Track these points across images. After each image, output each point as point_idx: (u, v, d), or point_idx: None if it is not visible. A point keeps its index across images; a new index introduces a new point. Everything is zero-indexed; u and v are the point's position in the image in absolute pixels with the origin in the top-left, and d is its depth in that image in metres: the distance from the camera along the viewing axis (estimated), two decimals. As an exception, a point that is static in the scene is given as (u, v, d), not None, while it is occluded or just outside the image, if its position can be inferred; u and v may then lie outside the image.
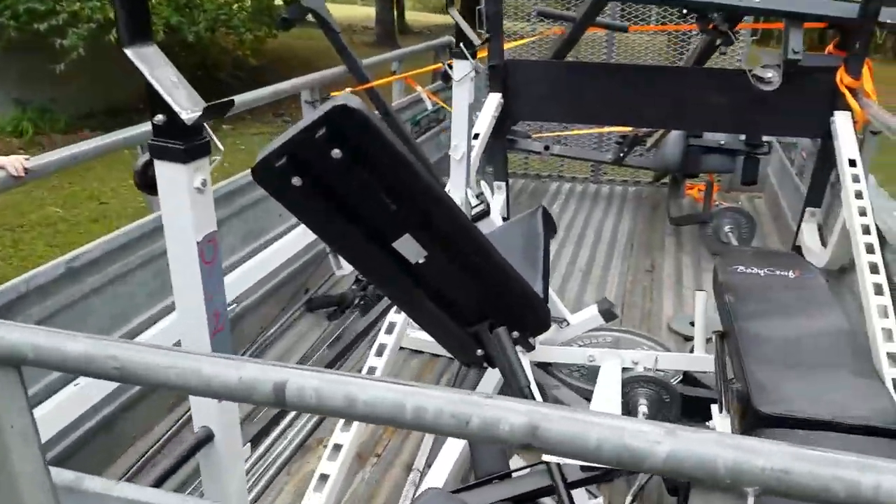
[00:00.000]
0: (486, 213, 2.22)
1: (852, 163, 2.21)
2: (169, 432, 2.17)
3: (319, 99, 3.21)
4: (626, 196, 4.70)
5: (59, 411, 1.61)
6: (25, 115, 7.93)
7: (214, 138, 1.15)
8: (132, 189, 6.82)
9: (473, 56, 2.30)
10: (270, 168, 1.39)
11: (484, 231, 2.33)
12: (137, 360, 0.72)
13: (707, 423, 1.76)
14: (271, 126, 9.41)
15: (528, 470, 1.60)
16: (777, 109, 2.49)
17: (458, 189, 2.30)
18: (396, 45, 14.71)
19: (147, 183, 1.15)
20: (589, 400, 2.19)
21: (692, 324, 2.81)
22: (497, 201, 3.32)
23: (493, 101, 2.79)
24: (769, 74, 2.41)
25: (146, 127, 2.18)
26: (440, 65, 4.35)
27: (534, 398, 1.54)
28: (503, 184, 3.53)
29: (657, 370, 2.30)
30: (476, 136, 2.64)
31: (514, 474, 1.61)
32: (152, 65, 1.06)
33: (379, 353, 2.02)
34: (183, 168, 1.09)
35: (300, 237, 2.49)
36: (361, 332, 2.77)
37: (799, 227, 2.86)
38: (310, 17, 3.02)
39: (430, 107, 4.32)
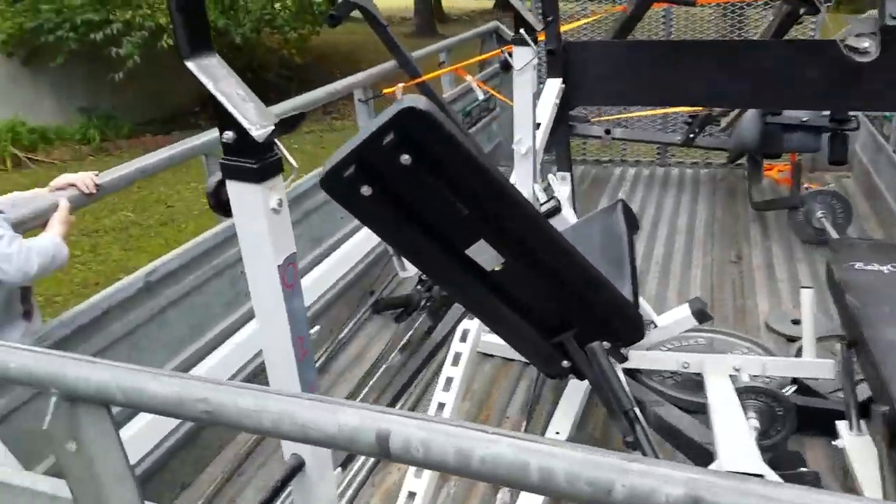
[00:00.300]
0: (557, 210, 2.07)
1: None
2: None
3: (372, 97, 3.10)
4: (698, 180, 4.43)
5: (148, 430, 1.56)
6: (91, 123, 8.19)
7: (287, 154, 1.04)
8: (195, 191, 6.95)
9: (535, 42, 2.14)
10: (339, 178, 1.28)
11: (560, 228, 2.19)
12: (228, 403, 0.67)
13: (834, 442, 1.58)
14: (321, 124, 9.44)
15: None
16: (874, 81, 2.23)
17: (525, 185, 2.15)
18: (436, 34, 14.55)
19: (221, 204, 1.05)
20: (694, 413, 2.03)
21: (794, 322, 2.59)
22: (563, 194, 3.15)
23: (554, 86, 2.61)
24: (865, 44, 2.15)
25: (207, 136, 2.13)
26: (498, 51, 4.22)
27: (640, 422, 1.38)
28: (567, 174, 3.35)
29: (764, 377, 2.12)
30: (538, 125, 2.48)
31: None
32: (216, 77, 0.96)
33: (455, 363, 1.92)
34: (257, 188, 0.99)
35: (365, 240, 2.39)
36: (430, 333, 2.67)
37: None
38: (356, 13, 2.94)
39: (481, 96, 4.18)
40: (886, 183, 3.43)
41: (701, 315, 2.10)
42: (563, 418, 1.76)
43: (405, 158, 1.24)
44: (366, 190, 1.29)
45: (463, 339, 1.94)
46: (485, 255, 1.42)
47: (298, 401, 0.66)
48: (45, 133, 7.90)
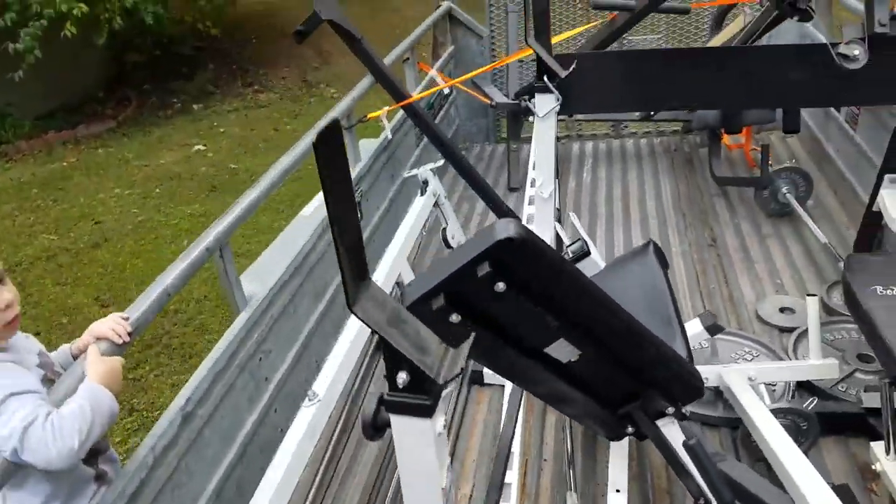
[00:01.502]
0: (586, 254, 2.05)
1: None
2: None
3: (356, 122, 2.95)
4: (654, 150, 4.51)
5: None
6: (-16, 125, 7.41)
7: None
8: (122, 200, 6.51)
9: (559, 88, 2.07)
10: (425, 307, 1.21)
11: (588, 274, 2.18)
12: None
13: (874, 465, 1.69)
14: (243, 100, 8.93)
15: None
16: (863, 81, 2.30)
17: (546, 228, 2.12)
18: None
19: (377, 429, 0.96)
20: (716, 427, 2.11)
21: (782, 310, 2.73)
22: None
23: (548, 100, 2.56)
24: (855, 52, 2.21)
25: (216, 231, 1.93)
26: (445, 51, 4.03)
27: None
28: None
29: (772, 383, 2.23)
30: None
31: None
32: (383, 306, 0.86)
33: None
34: (428, 422, 0.90)
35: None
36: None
37: (876, 193, 2.73)
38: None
39: (446, 91, 4.07)
40: (835, 148, 3.61)
41: (714, 329, 2.17)
42: (619, 473, 1.79)
43: (500, 287, 1.19)
44: (454, 317, 1.23)
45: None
46: (563, 351, 1.40)
47: None
48: (-71, 141, 7.12)
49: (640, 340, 1.48)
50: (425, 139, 3.75)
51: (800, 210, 3.20)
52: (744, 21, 3.10)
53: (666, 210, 3.70)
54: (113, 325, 1.51)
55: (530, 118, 2.18)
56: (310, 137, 2.57)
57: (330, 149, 0.74)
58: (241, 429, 1.96)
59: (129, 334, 1.53)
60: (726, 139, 3.91)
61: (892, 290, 1.79)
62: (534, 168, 2.36)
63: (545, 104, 2.09)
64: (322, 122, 2.39)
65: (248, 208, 2.10)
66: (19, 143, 7.50)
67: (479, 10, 4.87)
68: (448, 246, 3.11)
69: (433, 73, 3.88)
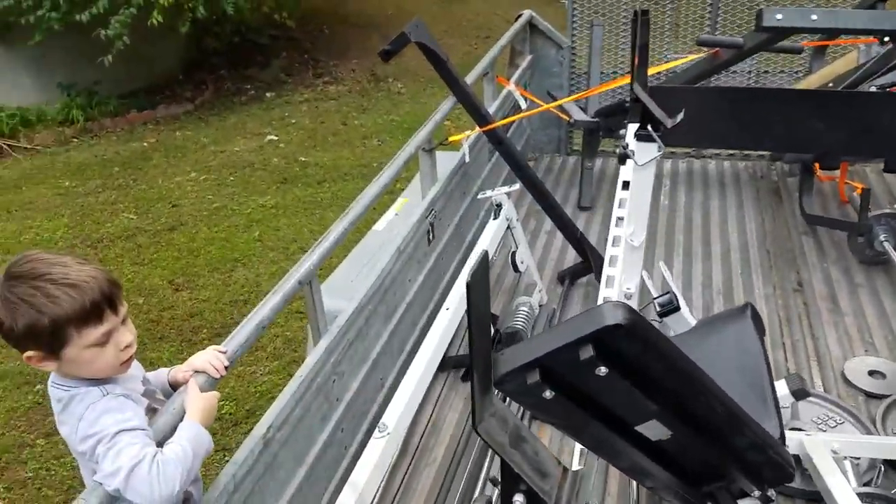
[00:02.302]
0: (675, 308, 1.95)
1: None
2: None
3: (437, 144, 2.90)
4: (738, 177, 4.30)
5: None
6: (73, 102, 7.71)
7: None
8: (197, 184, 6.71)
9: (662, 138, 1.97)
10: (518, 381, 1.16)
11: (675, 331, 2.08)
12: None
13: None
14: (313, 90, 9.03)
15: None
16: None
17: (633, 275, 2.03)
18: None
19: None
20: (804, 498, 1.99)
21: (870, 373, 2.56)
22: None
23: (634, 128, 2.45)
24: None
25: (309, 261, 1.93)
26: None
27: None
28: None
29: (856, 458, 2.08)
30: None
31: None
32: (505, 424, 0.81)
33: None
34: None
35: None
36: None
37: None
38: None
39: (524, 104, 3.98)
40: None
41: (800, 394, 2.04)
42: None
43: (602, 370, 1.12)
44: (549, 394, 1.17)
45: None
46: (654, 430, 1.32)
47: None
48: (25, 116, 7.47)
49: (739, 426, 1.39)
50: (496, 155, 3.68)
51: (896, 257, 2.99)
52: (858, 59, 2.91)
53: (750, 246, 3.52)
54: (211, 358, 1.53)
55: (624, 162, 2.08)
56: (394, 166, 2.52)
57: (479, 283, 0.70)
58: (311, 448, 1.96)
59: (226, 368, 1.55)
60: (819, 170, 3.70)
61: None
62: (620, 205, 2.25)
63: (646, 153, 1.99)
64: (473, 259, 2.36)
65: (335, 241, 2.08)
66: (104, 120, 7.80)
67: (560, 28, 4.77)
68: (516, 270, 3.04)
69: (511, 87, 3.79)
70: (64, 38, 6.99)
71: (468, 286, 0.69)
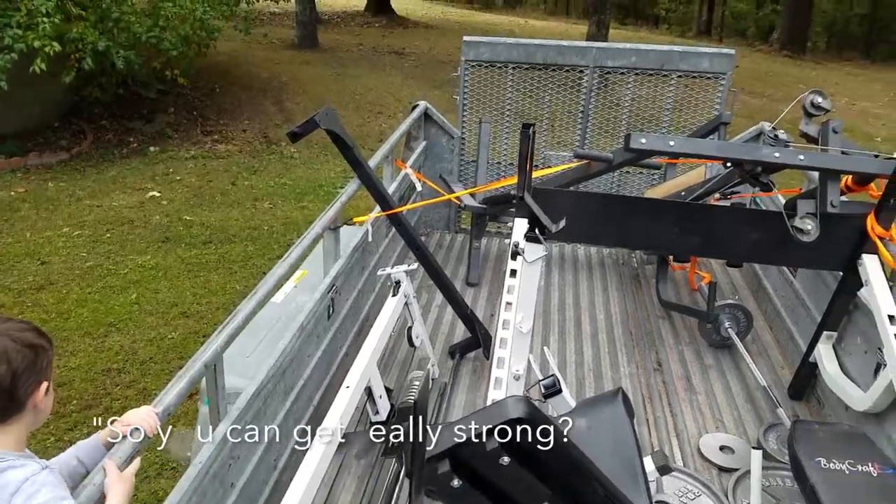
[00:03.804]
0: (557, 391, 2.16)
1: (892, 318, 2.33)
2: None
3: (341, 224, 3.03)
4: (603, 261, 4.75)
5: None
6: (-68, 146, 7.09)
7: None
8: (70, 240, 6.32)
9: (546, 240, 2.24)
10: (431, 472, 1.29)
11: (557, 412, 2.29)
12: None
13: None
14: (202, 148, 8.90)
15: None
16: (811, 248, 2.58)
17: (521, 360, 2.23)
18: (318, 45, 14.21)
19: None
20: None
21: (721, 448, 2.91)
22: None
23: (522, 225, 2.73)
24: (808, 226, 2.49)
25: (215, 343, 1.97)
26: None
27: None
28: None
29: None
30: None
31: None
32: None
33: None
34: None
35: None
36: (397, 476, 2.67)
37: (813, 346, 3.00)
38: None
39: (419, 187, 4.24)
40: (774, 288, 3.93)
41: (664, 470, 2.31)
42: None
43: (505, 460, 1.28)
44: (456, 482, 1.31)
45: None
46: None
47: None
48: None
49: (613, 499, 1.58)
50: (392, 231, 3.87)
51: (740, 346, 3.45)
52: (705, 175, 3.42)
53: (615, 327, 3.90)
54: (146, 416, 1.60)
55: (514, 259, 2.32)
56: (301, 245, 2.63)
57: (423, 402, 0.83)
58: None
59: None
60: (672, 261, 4.20)
61: (835, 463, 1.97)
62: (509, 291, 2.47)
63: (534, 252, 2.25)
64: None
65: (243, 321, 2.12)
66: (-34, 168, 7.22)
67: (450, 112, 5.14)
68: (411, 344, 3.19)
69: (408, 170, 4.04)
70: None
71: (415, 404, 0.81)
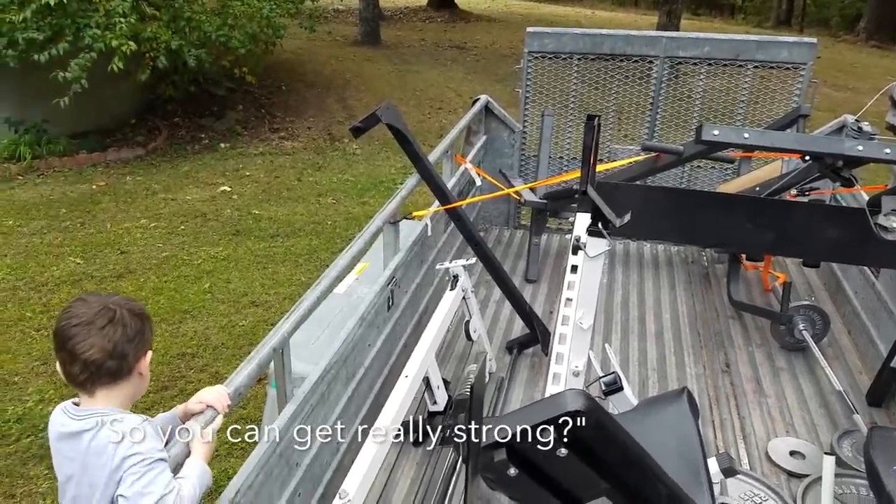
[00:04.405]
0: (619, 388, 2.12)
1: None
2: None
3: (401, 218, 3.06)
4: (671, 259, 4.62)
5: None
6: (22, 139, 7.56)
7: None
8: (146, 231, 6.62)
9: (610, 236, 2.20)
10: (488, 460, 1.28)
11: (618, 410, 2.25)
12: None
13: None
14: (269, 145, 9.15)
15: None
16: (890, 245, 2.42)
17: (581, 356, 2.20)
18: (380, 42, 14.34)
19: None
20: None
21: (791, 454, 2.79)
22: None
23: (584, 220, 2.68)
24: (894, 224, 2.34)
25: (283, 328, 2.04)
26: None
27: None
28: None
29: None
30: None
31: None
32: None
33: None
34: None
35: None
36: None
37: (895, 351, 2.83)
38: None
39: (478, 182, 4.22)
40: (854, 290, 3.73)
41: (729, 472, 2.22)
42: None
43: (562, 452, 1.26)
44: (513, 471, 1.30)
45: None
46: (603, 505, 1.46)
47: None
48: (-31, 152, 7.26)
49: (672, 498, 1.54)
50: (451, 226, 3.87)
51: (815, 349, 3.28)
52: (781, 169, 3.27)
53: (682, 326, 3.78)
54: (219, 395, 1.72)
55: (576, 253, 2.28)
56: (362, 238, 2.67)
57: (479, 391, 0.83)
58: None
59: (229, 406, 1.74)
60: (744, 260, 4.03)
61: (914, 471, 1.85)
62: (569, 287, 2.43)
63: (597, 247, 2.20)
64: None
65: (308, 309, 2.17)
66: (52, 159, 7.65)
67: (511, 106, 5.10)
68: (469, 338, 3.19)
69: (468, 165, 4.03)
70: (15, 74, 6.93)
71: (471, 390, 0.81)
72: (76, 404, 1.53)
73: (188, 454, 1.58)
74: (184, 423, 1.68)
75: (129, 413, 1.53)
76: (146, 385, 1.60)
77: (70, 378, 1.50)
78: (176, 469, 1.52)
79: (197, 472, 1.52)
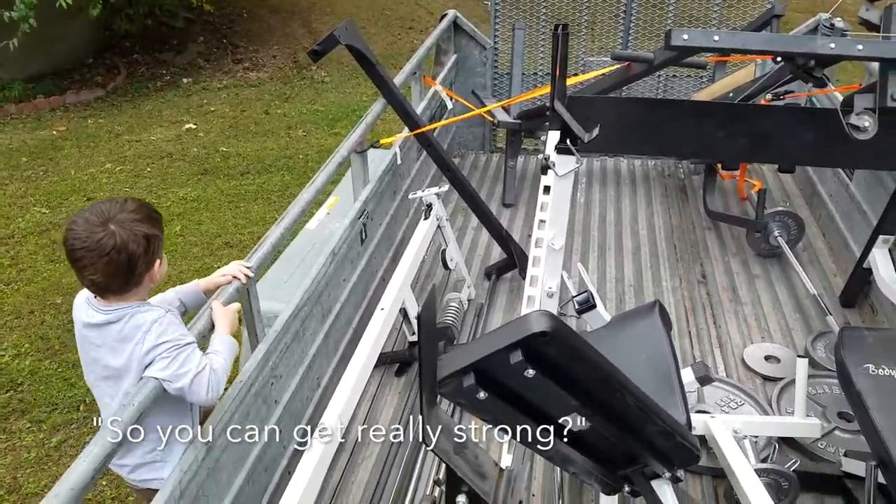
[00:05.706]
0: (592, 306, 2.11)
1: None
2: None
3: (368, 146, 2.96)
4: (648, 174, 4.58)
5: None
6: (-28, 87, 7.20)
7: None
8: (113, 176, 6.41)
9: (579, 150, 2.12)
10: (457, 385, 1.27)
11: (591, 327, 2.25)
12: None
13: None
14: (233, 77, 8.80)
15: None
16: (868, 148, 2.38)
17: (554, 277, 2.17)
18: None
19: None
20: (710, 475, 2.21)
21: (767, 358, 2.84)
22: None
23: (555, 137, 2.61)
24: (866, 123, 2.28)
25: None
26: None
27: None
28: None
29: (755, 436, 2.32)
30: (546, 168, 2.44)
31: None
32: (449, 434, 0.91)
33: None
34: None
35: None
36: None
37: (868, 251, 2.84)
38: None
39: (450, 105, 4.09)
40: (829, 193, 3.73)
41: (705, 380, 2.26)
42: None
43: (530, 373, 1.25)
44: (482, 395, 1.29)
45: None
46: (575, 422, 1.46)
47: None
48: (-85, 101, 6.92)
49: (649, 416, 1.55)
50: (424, 154, 3.77)
51: (790, 254, 3.31)
52: (755, 72, 3.18)
53: (658, 241, 3.78)
54: (239, 267, 1.91)
55: (545, 173, 2.22)
56: (327, 170, 2.58)
57: (428, 315, 0.79)
58: (251, 451, 2.01)
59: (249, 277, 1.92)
60: (721, 170, 4.00)
61: (884, 369, 1.88)
62: (542, 209, 2.39)
63: (565, 164, 2.14)
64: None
65: (272, 246, 2.12)
66: (8, 106, 7.33)
67: (483, 23, 4.89)
68: (446, 267, 3.17)
69: (438, 87, 3.90)
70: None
71: (419, 318, 0.78)
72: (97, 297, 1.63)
73: (212, 328, 1.72)
74: (207, 296, 1.85)
75: (152, 306, 1.64)
76: (160, 279, 1.68)
77: (85, 286, 1.62)
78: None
79: (225, 344, 1.68)
